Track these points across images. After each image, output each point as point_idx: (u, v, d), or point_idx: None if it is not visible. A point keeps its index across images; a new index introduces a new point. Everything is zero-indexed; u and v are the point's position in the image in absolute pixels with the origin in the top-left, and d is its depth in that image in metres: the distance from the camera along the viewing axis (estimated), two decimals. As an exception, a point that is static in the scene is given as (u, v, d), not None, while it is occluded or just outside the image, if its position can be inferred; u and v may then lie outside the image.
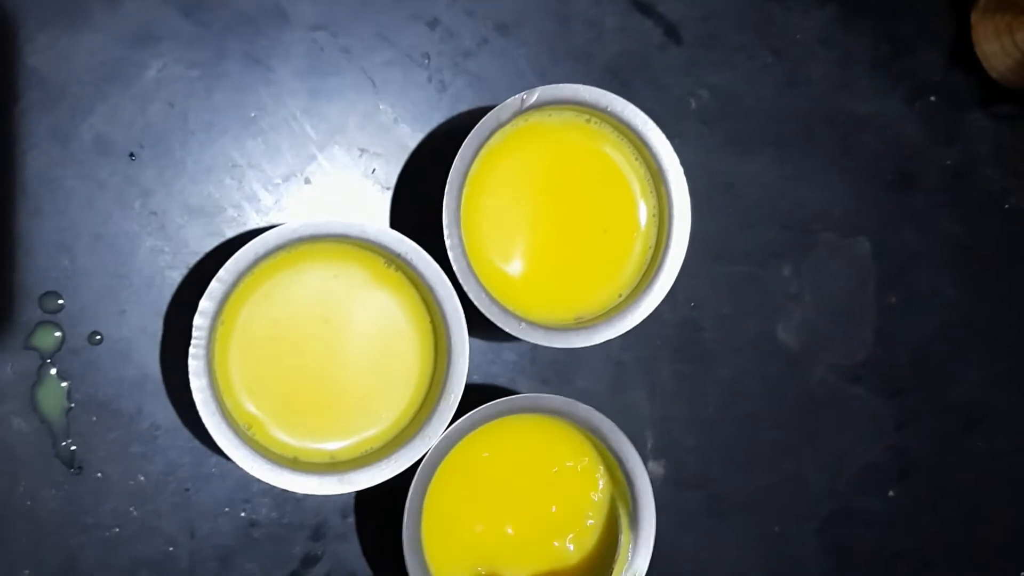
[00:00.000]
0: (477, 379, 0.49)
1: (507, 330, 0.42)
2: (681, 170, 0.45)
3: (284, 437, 0.42)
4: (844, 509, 0.54)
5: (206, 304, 0.39)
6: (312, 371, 0.42)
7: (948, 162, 0.54)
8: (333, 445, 0.43)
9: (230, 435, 0.39)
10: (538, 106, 0.43)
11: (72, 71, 0.45)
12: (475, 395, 0.45)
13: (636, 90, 0.50)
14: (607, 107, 0.44)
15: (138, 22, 0.45)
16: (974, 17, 0.53)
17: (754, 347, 0.52)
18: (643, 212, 0.46)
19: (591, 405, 0.44)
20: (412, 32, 0.48)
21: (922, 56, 0.54)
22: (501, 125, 0.43)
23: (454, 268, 0.42)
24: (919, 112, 0.54)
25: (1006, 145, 0.55)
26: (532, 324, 0.43)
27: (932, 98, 0.54)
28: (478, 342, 0.49)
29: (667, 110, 0.51)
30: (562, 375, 0.50)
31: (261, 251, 0.40)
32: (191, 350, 0.39)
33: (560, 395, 0.44)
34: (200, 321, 0.39)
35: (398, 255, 0.41)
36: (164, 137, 0.45)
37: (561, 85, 0.43)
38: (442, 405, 0.42)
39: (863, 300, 0.54)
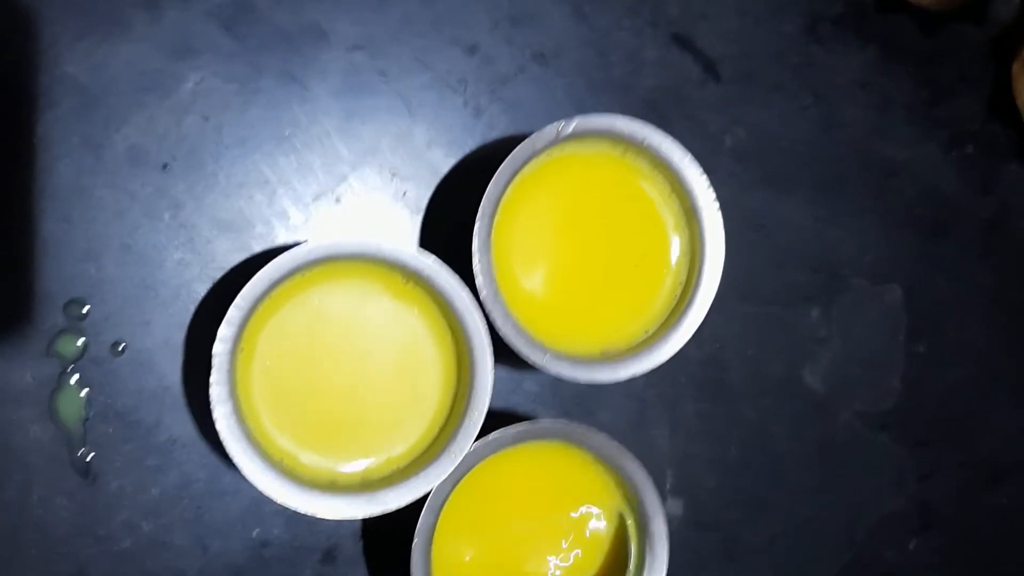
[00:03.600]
0: (498, 408, 0.48)
1: (532, 360, 0.42)
2: (717, 207, 0.44)
3: (314, 462, 0.42)
4: (863, 558, 0.53)
5: (225, 330, 0.39)
6: (335, 391, 0.42)
7: (983, 213, 0.54)
8: (363, 465, 0.42)
9: (257, 461, 0.39)
10: (574, 136, 0.43)
11: (109, 80, 0.45)
12: (496, 423, 0.44)
13: (672, 124, 0.50)
14: (644, 140, 0.43)
15: (178, 34, 0.45)
16: (1015, 68, 0.53)
17: (779, 390, 0.52)
18: (675, 248, 0.45)
19: (611, 435, 0.44)
20: (450, 57, 0.48)
21: (961, 103, 0.54)
22: (536, 153, 0.42)
23: (481, 295, 0.41)
24: (956, 160, 0.54)
25: (1043, 197, 0.54)
26: (557, 355, 0.43)
27: (970, 148, 0.54)
28: (500, 371, 0.48)
29: (702, 146, 0.50)
30: (584, 408, 0.50)
31: (276, 275, 0.40)
32: (212, 377, 0.39)
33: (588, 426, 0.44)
34: (220, 348, 0.39)
35: (416, 271, 0.41)
36: (197, 150, 0.45)
37: (598, 115, 0.43)
38: (467, 420, 0.42)
39: (892, 347, 0.53)
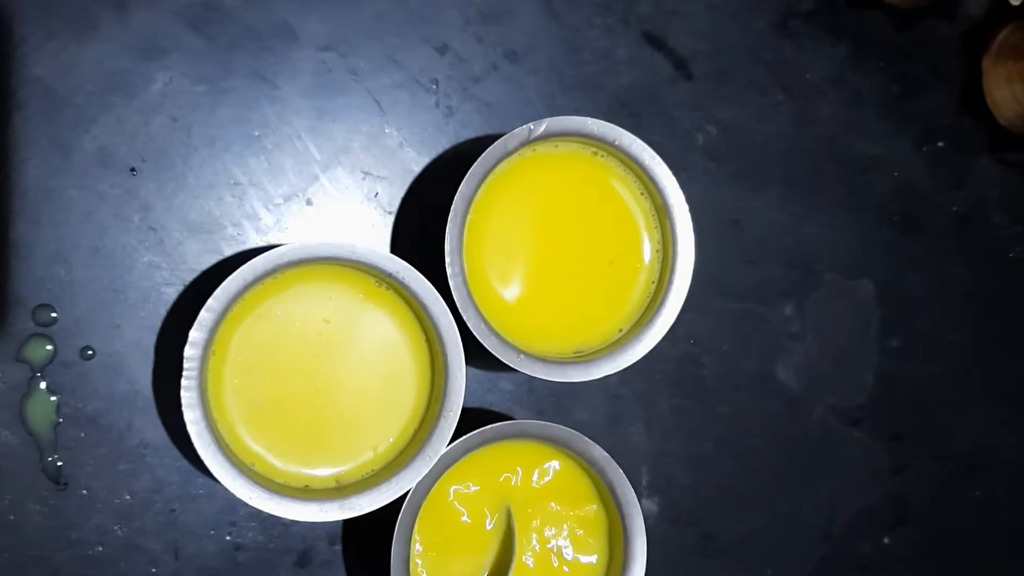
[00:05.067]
0: (473, 408, 0.48)
1: (505, 361, 0.42)
2: (687, 207, 0.44)
3: (287, 466, 0.42)
4: (839, 553, 0.53)
5: (196, 334, 0.39)
6: (309, 394, 0.42)
7: (955, 207, 0.54)
8: (336, 470, 0.42)
9: (227, 466, 0.39)
10: (545, 137, 0.42)
11: (77, 81, 0.44)
12: (472, 423, 0.44)
13: (644, 122, 0.50)
14: (615, 141, 0.43)
15: (146, 34, 0.45)
16: (985, 63, 0.53)
17: (753, 385, 0.52)
18: (647, 247, 0.45)
19: (585, 434, 0.44)
20: (421, 56, 0.47)
21: (933, 99, 0.54)
22: (508, 154, 0.42)
23: (454, 296, 0.41)
24: (927, 156, 0.54)
25: (1014, 192, 0.55)
26: (530, 356, 0.43)
27: (940, 143, 0.54)
28: (475, 371, 0.48)
29: (675, 144, 0.50)
30: (559, 406, 0.50)
31: (250, 277, 0.39)
32: (183, 381, 0.39)
33: (561, 425, 0.44)
34: (191, 352, 0.39)
35: (389, 274, 0.41)
36: (166, 151, 0.45)
37: (569, 117, 0.43)
38: (442, 422, 0.42)
39: (865, 342, 0.53)
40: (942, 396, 0.54)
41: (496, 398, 0.49)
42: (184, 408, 0.39)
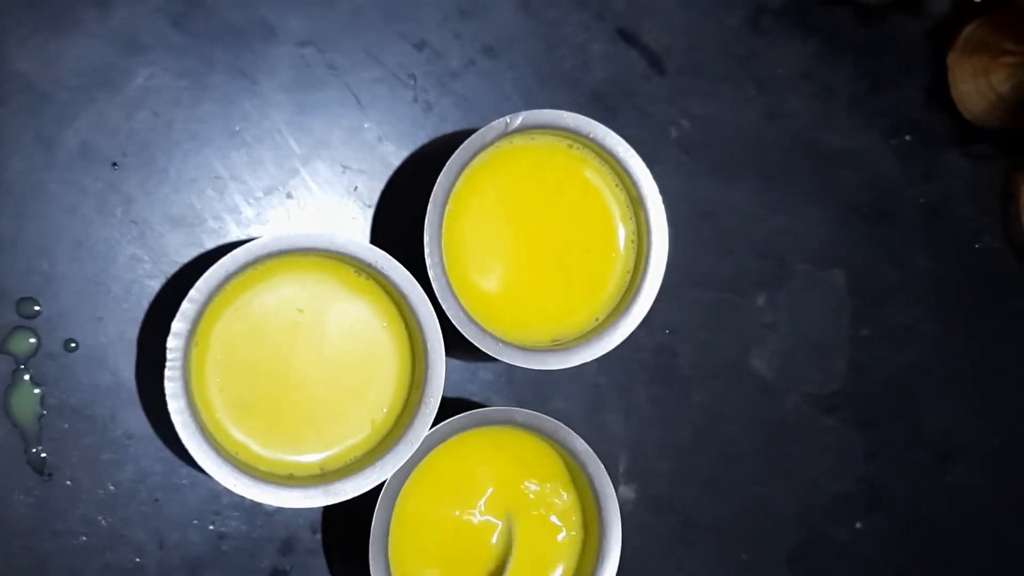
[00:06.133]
0: (453, 397, 0.49)
1: (484, 350, 0.43)
2: (660, 198, 0.45)
3: (271, 454, 0.42)
4: (814, 538, 0.54)
5: (179, 325, 0.39)
6: (291, 383, 0.42)
7: (923, 199, 0.55)
8: (319, 456, 0.43)
9: (212, 455, 0.40)
10: (522, 130, 0.43)
11: (60, 77, 0.45)
12: (451, 412, 0.45)
13: (620, 116, 0.51)
14: (590, 134, 0.44)
15: (128, 30, 0.45)
16: (951, 58, 0.54)
17: (729, 374, 0.53)
18: (622, 237, 0.46)
19: (563, 422, 0.45)
20: (399, 51, 0.48)
21: (901, 93, 0.55)
22: (485, 146, 0.43)
23: (434, 287, 0.42)
24: (896, 148, 0.55)
25: (980, 184, 0.56)
26: (509, 345, 0.43)
27: (908, 137, 0.55)
28: (455, 361, 0.49)
29: (649, 137, 0.51)
30: (538, 395, 0.50)
31: (231, 268, 0.40)
32: (167, 372, 0.39)
33: (536, 412, 0.44)
34: (174, 343, 0.39)
35: (368, 264, 0.42)
36: (148, 146, 0.46)
37: (545, 111, 0.44)
38: (422, 409, 0.42)
39: (837, 331, 0.54)
40: (914, 384, 0.55)
41: (476, 387, 0.50)
42: (168, 398, 0.39)
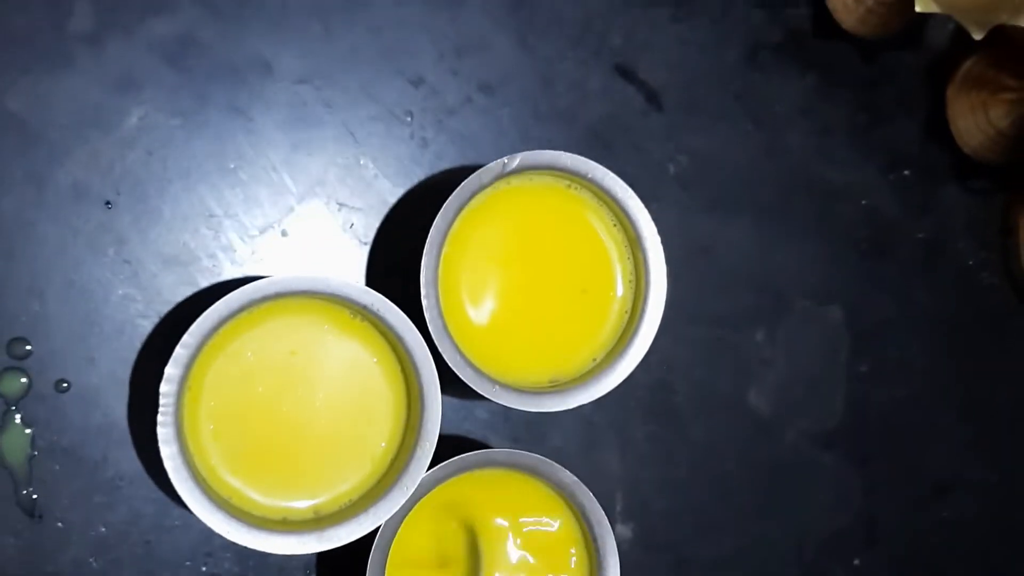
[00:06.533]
0: (450, 435, 0.49)
1: (480, 392, 0.42)
2: (659, 239, 0.45)
3: (265, 500, 0.42)
4: (811, 575, 0.54)
5: (171, 371, 0.39)
6: (285, 427, 0.42)
7: (921, 234, 0.55)
8: (314, 501, 0.42)
9: (205, 500, 0.39)
10: (519, 171, 0.43)
11: (52, 116, 0.44)
12: (447, 451, 0.44)
13: (617, 153, 0.50)
14: (588, 174, 0.44)
15: (121, 68, 0.45)
16: (950, 92, 0.54)
17: (726, 411, 0.53)
18: (619, 278, 0.46)
19: (562, 464, 0.44)
20: (396, 88, 0.48)
21: (899, 128, 0.55)
22: (483, 187, 0.43)
23: (430, 328, 0.42)
24: (895, 183, 0.55)
25: (979, 219, 0.56)
26: (506, 387, 0.43)
27: (906, 171, 0.55)
28: (451, 399, 0.48)
29: (647, 173, 0.51)
30: (534, 434, 0.50)
31: (225, 313, 0.39)
32: (159, 418, 0.39)
33: (531, 452, 0.44)
34: (166, 388, 0.39)
35: (364, 306, 0.41)
36: (142, 184, 0.45)
37: (542, 151, 0.43)
38: (418, 452, 0.42)
39: (834, 367, 0.54)
40: (911, 419, 0.55)
41: (472, 426, 0.49)
42: (160, 444, 0.39)
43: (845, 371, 0.54)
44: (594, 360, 0.45)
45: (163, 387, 0.39)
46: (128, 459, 0.45)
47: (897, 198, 0.55)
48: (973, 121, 0.54)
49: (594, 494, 0.45)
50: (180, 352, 0.39)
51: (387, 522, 0.42)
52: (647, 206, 0.45)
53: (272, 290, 0.40)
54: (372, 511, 0.41)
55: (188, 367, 0.40)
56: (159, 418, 0.39)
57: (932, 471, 0.55)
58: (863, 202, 0.54)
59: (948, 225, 0.55)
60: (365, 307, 0.41)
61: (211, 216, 0.46)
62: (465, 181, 0.42)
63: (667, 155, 0.51)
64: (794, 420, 0.53)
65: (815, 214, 0.54)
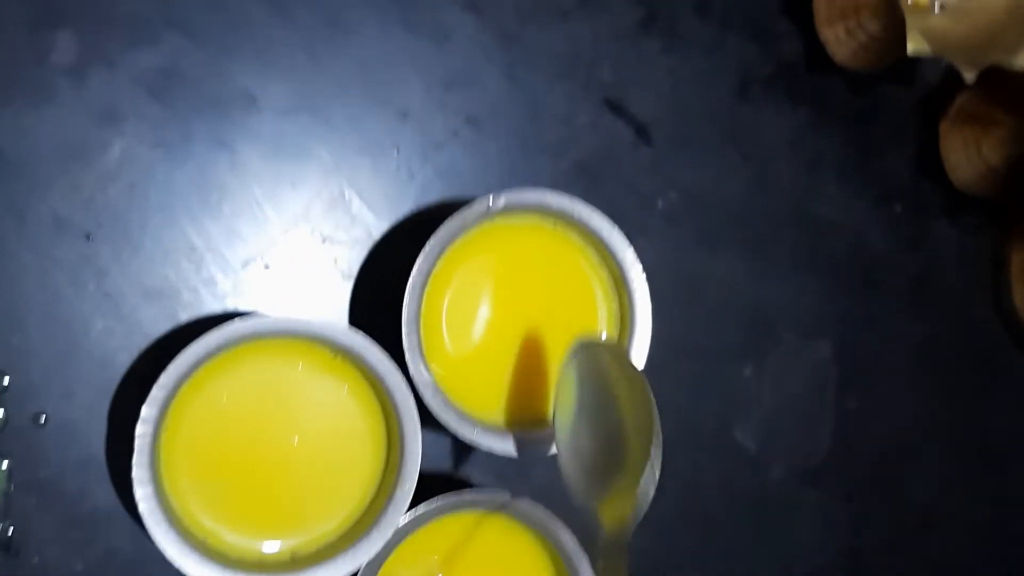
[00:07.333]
0: (431, 471, 0.48)
1: (461, 436, 0.42)
2: (644, 277, 0.45)
3: (241, 541, 0.41)
4: (796, 610, 0.53)
5: (147, 411, 0.39)
6: (263, 468, 0.42)
7: (911, 269, 0.55)
8: (291, 542, 0.42)
9: (179, 542, 0.39)
10: (504, 210, 0.43)
11: (34, 148, 0.44)
12: (430, 487, 0.44)
13: (605, 188, 0.50)
14: (573, 213, 0.43)
15: (103, 100, 0.44)
16: (943, 127, 0.54)
17: (713, 446, 0.52)
18: (604, 317, 0.45)
19: (544, 502, 0.44)
20: (382, 121, 0.47)
21: (890, 162, 0.55)
22: (467, 228, 0.42)
23: (410, 371, 0.41)
24: (884, 218, 0.54)
25: (969, 254, 0.55)
26: (487, 428, 0.43)
27: (898, 206, 0.54)
28: (434, 434, 0.48)
29: (635, 208, 0.51)
30: (517, 470, 0.49)
31: (202, 354, 0.39)
32: (135, 458, 0.38)
33: (513, 490, 0.43)
34: (142, 429, 0.38)
35: (344, 347, 0.41)
36: (123, 217, 0.45)
37: (527, 190, 0.43)
38: (397, 493, 0.41)
39: (822, 402, 0.54)
40: (898, 454, 0.55)
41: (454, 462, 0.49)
42: (135, 485, 0.39)
43: (833, 406, 0.54)
44: (578, 400, 0.45)
45: (139, 428, 0.39)
46: (106, 494, 0.45)
47: (888, 232, 0.55)
48: (965, 156, 0.54)
49: (577, 530, 0.44)
50: (157, 393, 0.39)
51: (367, 564, 0.41)
52: (635, 240, 0.45)
53: (251, 331, 0.40)
54: (350, 553, 0.41)
55: (164, 408, 0.39)
56: (135, 458, 0.39)
57: (918, 506, 0.55)
58: (853, 236, 0.54)
59: (939, 260, 0.55)
60: (346, 348, 0.41)
61: (193, 249, 0.45)
62: (447, 222, 0.42)
63: (656, 189, 0.51)
64: (781, 455, 0.53)
65: (804, 248, 0.53)
